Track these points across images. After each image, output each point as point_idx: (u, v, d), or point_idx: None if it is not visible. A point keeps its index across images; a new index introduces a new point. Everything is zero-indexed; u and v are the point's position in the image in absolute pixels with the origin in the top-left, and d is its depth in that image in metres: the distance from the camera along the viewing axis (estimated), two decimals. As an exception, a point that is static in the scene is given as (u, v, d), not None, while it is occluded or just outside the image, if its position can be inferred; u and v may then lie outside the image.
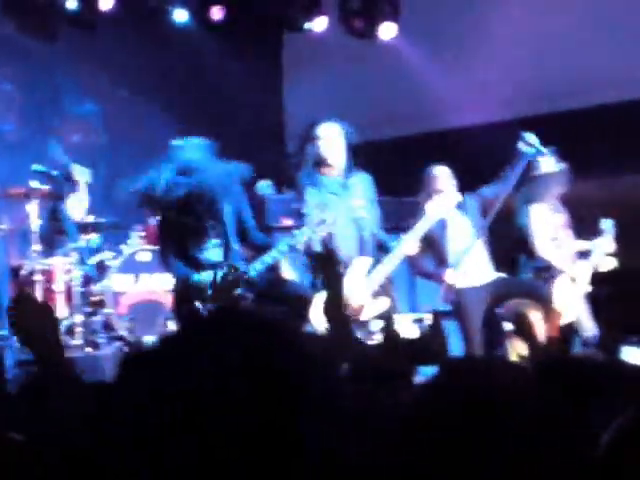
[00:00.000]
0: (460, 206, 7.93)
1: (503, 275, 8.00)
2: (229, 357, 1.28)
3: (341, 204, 7.40)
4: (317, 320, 6.78)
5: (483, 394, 2.01)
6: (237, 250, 7.07)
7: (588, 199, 9.04)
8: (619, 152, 9.60)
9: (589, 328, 8.02)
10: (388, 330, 5.16)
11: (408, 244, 7.51)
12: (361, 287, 7.23)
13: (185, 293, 6.96)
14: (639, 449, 1.97)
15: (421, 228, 7.57)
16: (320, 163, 7.48)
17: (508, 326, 7.40)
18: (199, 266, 6.97)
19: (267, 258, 6.96)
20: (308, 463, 1.26)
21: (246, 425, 1.25)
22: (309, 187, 7.43)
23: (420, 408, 2.05)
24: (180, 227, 6.99)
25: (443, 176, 7.99)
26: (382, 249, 7.58)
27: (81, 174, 9.38)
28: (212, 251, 7.03)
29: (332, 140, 7.48)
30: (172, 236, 7.06)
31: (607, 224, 8.36)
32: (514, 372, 2.13)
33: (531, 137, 7.81)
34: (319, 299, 6.78)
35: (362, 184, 7.57)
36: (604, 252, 8.29)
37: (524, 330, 7.28)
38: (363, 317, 7.19)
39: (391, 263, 7.52)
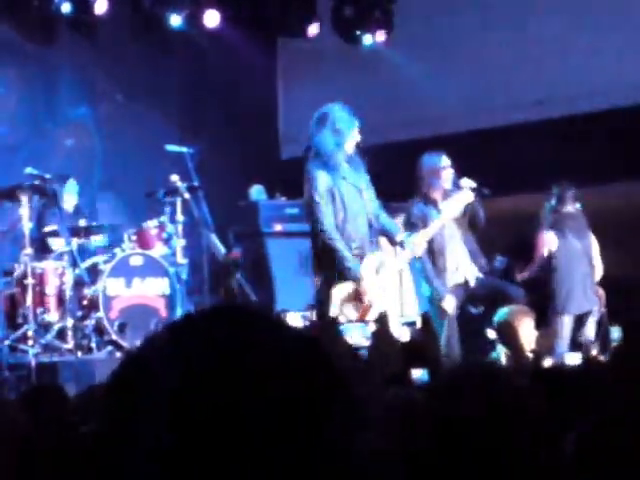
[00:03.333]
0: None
1: (480, 275, 8.16)
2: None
3: (351, 188, 7.24)
4: None
5: (484, 398, 2.15)
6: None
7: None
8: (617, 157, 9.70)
9: None
10: (383, 332, 5.17)
11: (420, 244, 7.49)
12: (373, 286, 7.11)
13: None
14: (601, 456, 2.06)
15: (435, 227, 7.61)
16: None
17: (492, 334, 7.48)
18: None
19: None
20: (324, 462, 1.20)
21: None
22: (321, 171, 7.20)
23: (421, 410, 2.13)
24: None
25: (449, 170, 8.06)
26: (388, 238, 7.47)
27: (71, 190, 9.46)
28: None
29: None
30: None
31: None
32: (507, 377, 2.29)
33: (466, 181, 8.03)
34: None
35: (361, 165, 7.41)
36: None
37: (507, 338, 7.35)
38: (369, 317, 7.09)
39: (400, 263, 7.54)
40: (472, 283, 8.13)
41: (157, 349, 1.22)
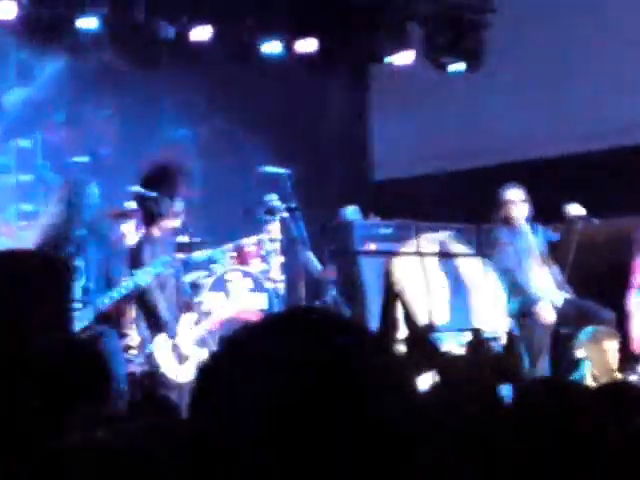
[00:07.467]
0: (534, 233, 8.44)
1: (569, 297, 8.37)
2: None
3: None
4: None
5: (563, 416, 2.30)
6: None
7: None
8: None
9: None
10: (478, 344, 5.36)
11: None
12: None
13: None
14: None
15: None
16: None
17: (580, 352, 7.62)
18: None
19: (114, 293, 7.54)
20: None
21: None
22: None
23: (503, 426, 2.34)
24: None
25: (518, 201, 8.43)
26: None
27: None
28: None
29: None
30: None
31: None
32: (587, 394, 2.46)
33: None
34: None
35: None
36: None
37: (593, 356, 7.45)
38: None
39: None
40: (559, 305, 8.35)
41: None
